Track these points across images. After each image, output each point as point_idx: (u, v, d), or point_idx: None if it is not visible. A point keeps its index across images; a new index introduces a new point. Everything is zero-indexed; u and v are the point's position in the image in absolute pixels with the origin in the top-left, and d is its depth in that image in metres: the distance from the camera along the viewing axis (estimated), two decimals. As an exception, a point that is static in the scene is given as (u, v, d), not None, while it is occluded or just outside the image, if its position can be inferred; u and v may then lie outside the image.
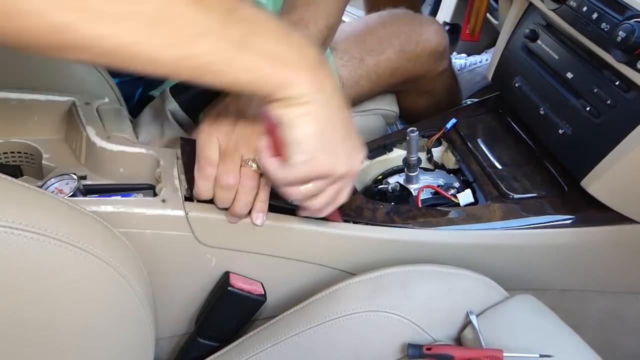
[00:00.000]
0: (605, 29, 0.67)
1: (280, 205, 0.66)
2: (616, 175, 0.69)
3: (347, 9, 1.74)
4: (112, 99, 0.75)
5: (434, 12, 1.66)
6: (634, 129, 0.65)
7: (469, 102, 1.31)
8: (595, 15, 0.69)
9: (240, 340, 0.67)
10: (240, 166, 0.59)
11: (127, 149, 0.65)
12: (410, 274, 0.68)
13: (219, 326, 0.68)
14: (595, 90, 0.71)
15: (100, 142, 0.65)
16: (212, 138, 0.60)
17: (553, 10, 0.77)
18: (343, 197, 0.59)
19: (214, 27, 0.41)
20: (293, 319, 0.66)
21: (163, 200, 0.60)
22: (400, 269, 0.68)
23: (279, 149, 0.52)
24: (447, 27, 1.60)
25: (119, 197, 0.61)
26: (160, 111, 0.75)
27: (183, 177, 0.65)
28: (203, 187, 0.60)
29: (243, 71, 0.44)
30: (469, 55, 1.52)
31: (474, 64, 1.49)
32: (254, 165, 0.59)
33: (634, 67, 0.63)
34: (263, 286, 0.68)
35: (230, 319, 0.68)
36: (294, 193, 0.55)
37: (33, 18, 0.34)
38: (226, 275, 0.66)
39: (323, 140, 0.50)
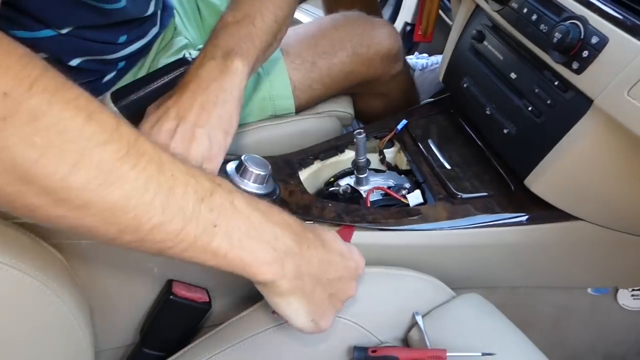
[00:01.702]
0: (544, 30, 0.68)
1: None
2: (556, 174, 0.70)
3: (307, 8, 1.75)
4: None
5: (395, 12, 1.67)
6: (571, 128, 0.66)
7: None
8: (534, 17, 0.70)
9: (186, 349, 0.66)
10: None
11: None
12: (356, 276, 0.68)
13: (163, 335, 0.67)
14: (536, 91, 0.72)
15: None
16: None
17: (497, 11, 0.78)
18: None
19: (180, 216, 0.40)
20: (239, 326, 0.66)
21: (99, 209, 0.59)
22: (346, 272, 0.68)
23: None
24: (408, 28, 1.61)
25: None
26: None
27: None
28: None
29: (210, 255, 0.44)
30: (430, 55, 1.53)
31: (436, 64, 1.50)
32: None
33: (569, 68, 0.64)
34: (208, 293, 0.68)
35: (175, 328, 0.67)
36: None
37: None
38: (169, 283, 0.65)
39: (312, 306, 0.52)
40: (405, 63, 1.11)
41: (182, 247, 0.42)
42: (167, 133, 0.60)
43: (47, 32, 0.73)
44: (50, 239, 0.54)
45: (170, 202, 0.39)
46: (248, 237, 0.45)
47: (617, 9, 0.60)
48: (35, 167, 0.34)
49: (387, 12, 1.70)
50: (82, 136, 0.36)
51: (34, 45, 0.72)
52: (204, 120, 0.64)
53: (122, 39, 0.85)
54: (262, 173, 0.69)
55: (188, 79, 0.67)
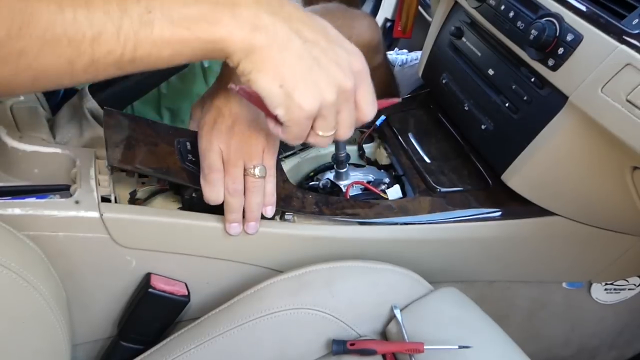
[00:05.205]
0: (521, 27, 0.69)
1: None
2: (532, 169, 0.71)
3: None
4: (29, 97, 0.73)
5: (375, 9, 1.67)
6: (547, 124, 0.67)
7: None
8: (511, 14, 0.70)
9: (164, 342, 0.66)
10: (244, 175, 0.61)
11: (41, 149, 0.63)
12: (334, 270, 0.68)
13: (141, 329, 0.67)
14: (513, 87, 0.73)
15: (11, 143, 0.62)
16: (213, 146, 0.60)
17: (475, 8, 0.79)
18: (368, 104, 0.52)
19: (107, 25, 0.40)
20: (218, 319, 0.65)
21: (77, 202, 0.59)
22: (325, 266, 0.68)
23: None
24: (388, 24, 1.62)
25: (30, 199, 0.58)
26: (78, 110, 0.73)
27: (101, 177, 0.63)
28: (212, 194, 0.61)
29: (160, 45, 0.42)
30: (410, 51, 1.54)
31: (415, 60, 1.50)
32: (256, 172, 0.61)
33: (545, 65, 0.65)
34: (187, 287, 0.68)
35: (152, 321, 0.67)
36: (317, 141, 0.51)
37: None
38: (147, 276, 0.65)
39: (286, 82, 0.45)
40: (386, 56, 1.12)
41: (131, 48, 0.41)
42: (227, 135, 0.60)
43: None
44: (27, 230, 0.53)
45: (93, 12, 0.40)
46: (184, 5, 0.43)
47: (591, 7, 0.61)
48: None
49: (367, 8, 1.70)
50: None
51: None
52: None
53: None
54: None
55: (227, 73, 0.65)
